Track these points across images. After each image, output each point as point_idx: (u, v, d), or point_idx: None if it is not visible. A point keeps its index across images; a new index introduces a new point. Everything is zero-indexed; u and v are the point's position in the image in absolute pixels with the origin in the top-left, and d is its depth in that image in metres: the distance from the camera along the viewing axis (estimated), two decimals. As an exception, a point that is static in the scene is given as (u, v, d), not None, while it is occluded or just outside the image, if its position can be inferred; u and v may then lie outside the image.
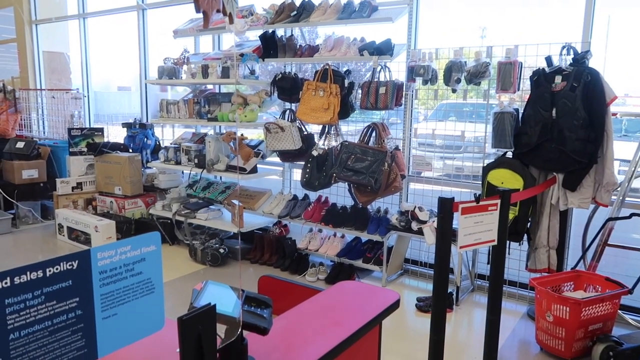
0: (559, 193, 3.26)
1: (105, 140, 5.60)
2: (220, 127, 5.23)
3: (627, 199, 3.26)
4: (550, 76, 3.18)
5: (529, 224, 3.48)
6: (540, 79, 3.22)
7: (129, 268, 0.77)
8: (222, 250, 4.30)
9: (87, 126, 6.60)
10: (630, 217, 3.19)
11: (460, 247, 2.27)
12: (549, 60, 3.25)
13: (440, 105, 6.94)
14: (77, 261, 0.70)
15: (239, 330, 0.90)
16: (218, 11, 0.87)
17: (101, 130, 5.61)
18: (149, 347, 1.13)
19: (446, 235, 2.21)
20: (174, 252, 4.69)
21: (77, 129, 5.47)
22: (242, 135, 4.40)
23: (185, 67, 4.77)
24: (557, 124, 3.13)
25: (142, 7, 5.88)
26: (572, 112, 3.05)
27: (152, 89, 5.96)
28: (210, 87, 5.17)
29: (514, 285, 3.81)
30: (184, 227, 4.76)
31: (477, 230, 2.31)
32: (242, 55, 4.32)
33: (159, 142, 5.63)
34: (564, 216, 3.38)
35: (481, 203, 2.29)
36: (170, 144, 5.06)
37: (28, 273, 0.65)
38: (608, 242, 3.32)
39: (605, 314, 2.89)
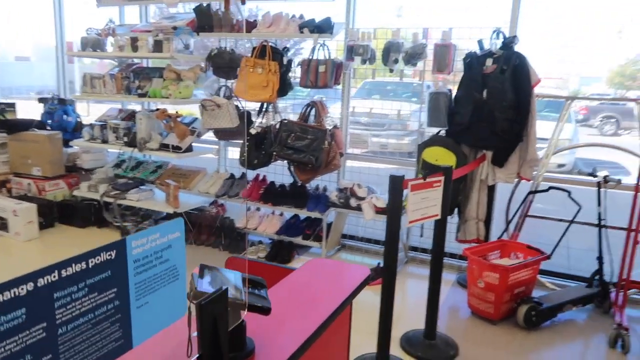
0: (488, 169, 3.50)
1: (18, 116, 5.13)
2: (149, 103, 4.99)
3: (545, 173, 3.58)
4: (482, 59, 3.37)
5: (459, 197, 3.71)
6: (473, 61, 3.41)
7: (158, 256, 0.74)
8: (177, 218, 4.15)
9: (-6, 101, 6.00)
10: (548, 190, 3.51)
11: (410, 222, 2.39)
12: (480, 43, 3.44)
13: (364, 83, 7.10)
14: (114, 251, 0.66)
15: (245, 312, 0.91)
16: None
17: (13, 105, 5.13)
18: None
19: (397, 211, 2.32)
20: (104, 235, 4.46)
21: (-16, 104, 4.96)
22: (177, 112, 4.24)
23: (111, 38, 4.46)
24: (487, 104, 3.33)
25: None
26: (502, 94, 3.26)
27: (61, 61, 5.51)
28: (137, 61, 4.90)
29: (445, 256, 4.06)
30: (113, 209, 4.53)
31: (423, 206, 2.44)
32: (175, 28, 4.13)
33: (80, 119, 5.26)
34: (491, 190, 3.65)
35: (428, 180, 2.42)
36: (95, 121, 4.75)
37: (73, 265, 0.61)
38: (529, 214, 3.64)
39: (528, 278, 3.19)
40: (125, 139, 4.40)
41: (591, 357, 2.80)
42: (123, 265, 0.68)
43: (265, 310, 0.97)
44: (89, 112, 6.85)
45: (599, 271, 3.32)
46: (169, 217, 4.75)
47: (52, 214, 4.49)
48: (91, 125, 4.58)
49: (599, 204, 3.27)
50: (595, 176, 3.26)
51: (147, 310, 0.73)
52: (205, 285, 0.88)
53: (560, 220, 3.55)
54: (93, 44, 4.46)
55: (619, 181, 3.22)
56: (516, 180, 3.56)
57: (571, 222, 3.39)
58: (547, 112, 8.12)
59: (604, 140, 13.15)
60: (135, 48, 4.20)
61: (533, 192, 3.58)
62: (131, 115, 4.72)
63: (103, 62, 5.42)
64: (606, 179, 3.23)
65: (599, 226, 3.30)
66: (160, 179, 4.61)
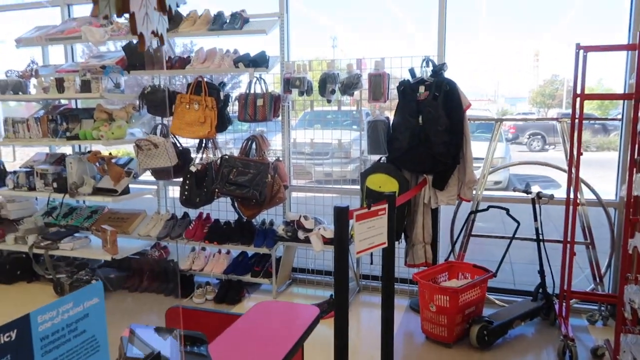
0: (430, 193, 3.56)
1: None
2: (80, 146, 4.74)
3: (484, 192, 3.69)
4: (415, 86, 3.47)
5: (405, 222, 3.75)
6: (406, 89, 3.50)
7: (72, 328, 0.64)
8: (94, 282, 3.89)
9: None
10: (487, 209, 3.61)
11: (357, 253, 2.36)
12: (412, 71, 3.54)
13: (305, 113, 7.18)
14: (15, 330, 0.56)
15: (183, 375, 0.82)
16: (154, 34, 0.77)
17: None
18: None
19: (344, 243, 2.28)
20: (35, 290, 4.12)
21: None
22: (110, 154, 4.04)
23: (34, 80, 4.23)
24: (423, 129, 3.41)
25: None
26: (436, 119, 3.36)
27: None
28: (65, 102, 4.66)
29: (395, 281, 4.06)
30: (44, 260, 4.21)
31: (370, 235, 2.42)
32: (104, 67, 3.98)
33: (3, 166, 4.90)
34: (435, 213, 3.71)
35: (372, 208, 2.41)
36: (21, 167, 4.45)
37: (-41, 358, 0.51)
38: (472, 233, 3.73)
39: (477, 297, 3.24)
40: (55, 184, 4.14)
41: (543, 371, 2.85)
42: (27, 346, 0.58)
43: (207, 371, 0.89)
44: (14, 157, 6.44)
45: (542, 284, 3.42)
46: (107, 264, 4.47)
47: (-26, 272, 4.11)
48: (15, 173, 4.28)
49: (535, 219, 3.40)
50: (529, 193, 3.40)
51: (63, 395, 0.63)
52: (137, 350, 0.79)
53: (502, 237, 3.66)
54: (14, 87, 4.20)
55: (551, 196, 3.37)
56: (457, 201, 3.65)
57: (512, 238, 3.50)
58: (480, 133, 8.52)
59: (533, 155, 13.94)
60: (61, 89, 3.99)
61: (474, 212, 3.67)
62: (60, 160, 4.46)
63: (30, 104, 5.13)
64: (539, 195, 3.37)
65: (538, 240, 3.42)
66: (96, 225, 4.35)
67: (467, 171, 3.44)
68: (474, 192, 3.61)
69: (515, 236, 3.50)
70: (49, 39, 4.26)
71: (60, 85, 4.02)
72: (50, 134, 4.15)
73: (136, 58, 4.05)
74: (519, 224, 3.44)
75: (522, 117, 15.87)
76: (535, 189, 3.51)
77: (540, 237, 3.41)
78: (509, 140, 12.94)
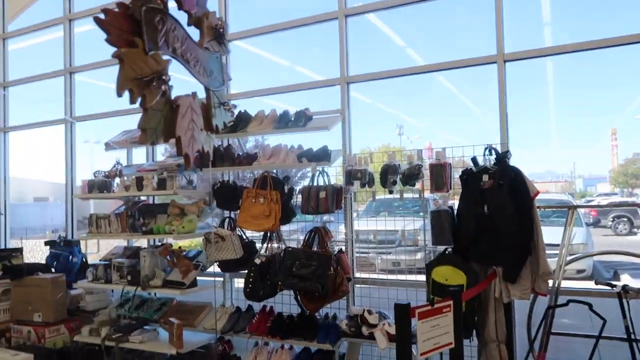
0: (501, 286, 3.34)
1: (25, 260, 5.14)
2: (154, 240, 5.01)
3: (564, 284, 3.42)
4: (478, 175, 3.41)
5: (475, 319, 3.50)
6: (470, 177, 3.44)
7: None
8: (158, 378, 3.90)
9: (2, 246, 6.08)
10: (567, 304, 3.31)
11: (422, 354, 2.22)
12: (474, 160, 3.50)
13: (370, 202, 7.17)
14: None
15: None
16: (199, 152, 0.85)
17: (19, 250, 5.16)
18: None
19: (406, 344, 2.17)
20: (103, 383, 4.19)
21: (-9, 250, 5.01)
22: (180, 248, 4.22)
23: (118, 179, 4.62)
24: (489, 219, 3.29)
25: (70, 121, 5.78)
26: (502, 208, 3.24)
27: (75, 200, 5.67)
28: (143, 198, 5.02)
29: (470, 384, 3.72)
30: (114, 353, 4.31)
31: (435, 334, 2.28)
32: (178, 165, 4.29)
33: (85, 259, 5.25)
34: (508, 308, 3.45)
35: (435, 306, 2.30)
36: (100, 260, 4.73)
37: None
38: (552, 330, 3.40)
39: (564, 407, 2.88)
40: (129, 277, 4.33)
41: None
42: None
43: None
44: (99, 248, 6.89)
45: (642, 393, 3.00)
46: (173, 358, 4.49)
47: (50, 364, 4.27)
48: (95, 266, 4.55)
49: (624, 316, 3.06)
50: (613, 286, 3.10)
51: None
52: None
53: (586, 336, 3.31)
54: (99, 186, 4.61)
55: (639, 291, 3.05)
56: (532, 295, 3.39)
57: (598, 337, 3.15)
58: (556, 218, 8.06)
59: (619, 240, 12.88)
60: (140, 187, 4.33)
61: (552, 307, 3.38)
62: (135, 253, 4.71)
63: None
64: (625, 289, 3.06)
65: (630, 340, 3.05)
66: (164, 317, 4.44)
67: (540, 262, 3.22)
68: (550, 284, 3.35)
69: (603, 335, 3.15)
70: (133, 142, 4.70)
71: (139, 183, 4.36)
72: (128, 229, 4.43)
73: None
74: (605, 321, 3.11)
75: (597, 202, 14.97)
76: (624, 278, 3.21)
77: (632, 336, 3.05)
78: (589, 225, 12.12)
